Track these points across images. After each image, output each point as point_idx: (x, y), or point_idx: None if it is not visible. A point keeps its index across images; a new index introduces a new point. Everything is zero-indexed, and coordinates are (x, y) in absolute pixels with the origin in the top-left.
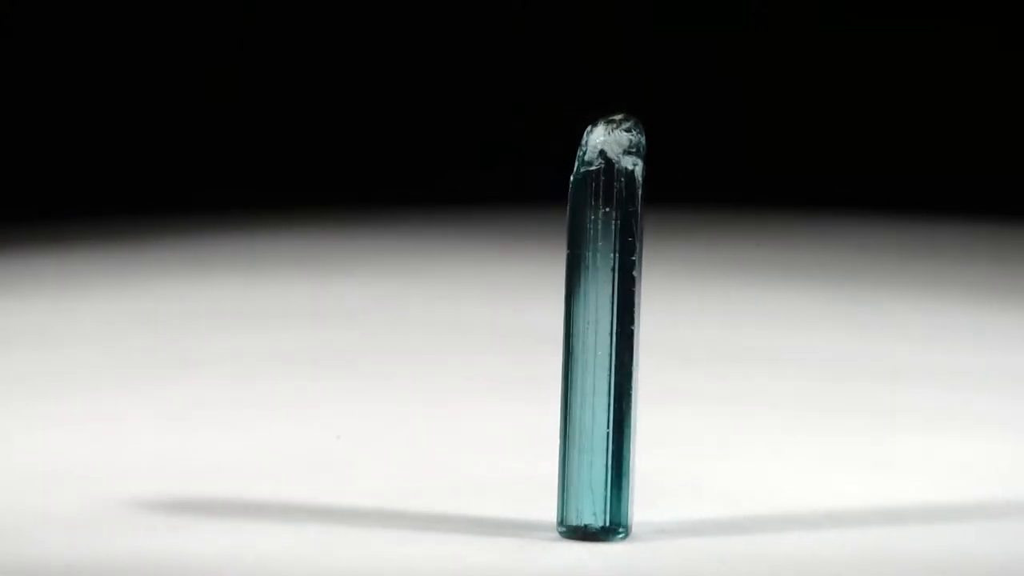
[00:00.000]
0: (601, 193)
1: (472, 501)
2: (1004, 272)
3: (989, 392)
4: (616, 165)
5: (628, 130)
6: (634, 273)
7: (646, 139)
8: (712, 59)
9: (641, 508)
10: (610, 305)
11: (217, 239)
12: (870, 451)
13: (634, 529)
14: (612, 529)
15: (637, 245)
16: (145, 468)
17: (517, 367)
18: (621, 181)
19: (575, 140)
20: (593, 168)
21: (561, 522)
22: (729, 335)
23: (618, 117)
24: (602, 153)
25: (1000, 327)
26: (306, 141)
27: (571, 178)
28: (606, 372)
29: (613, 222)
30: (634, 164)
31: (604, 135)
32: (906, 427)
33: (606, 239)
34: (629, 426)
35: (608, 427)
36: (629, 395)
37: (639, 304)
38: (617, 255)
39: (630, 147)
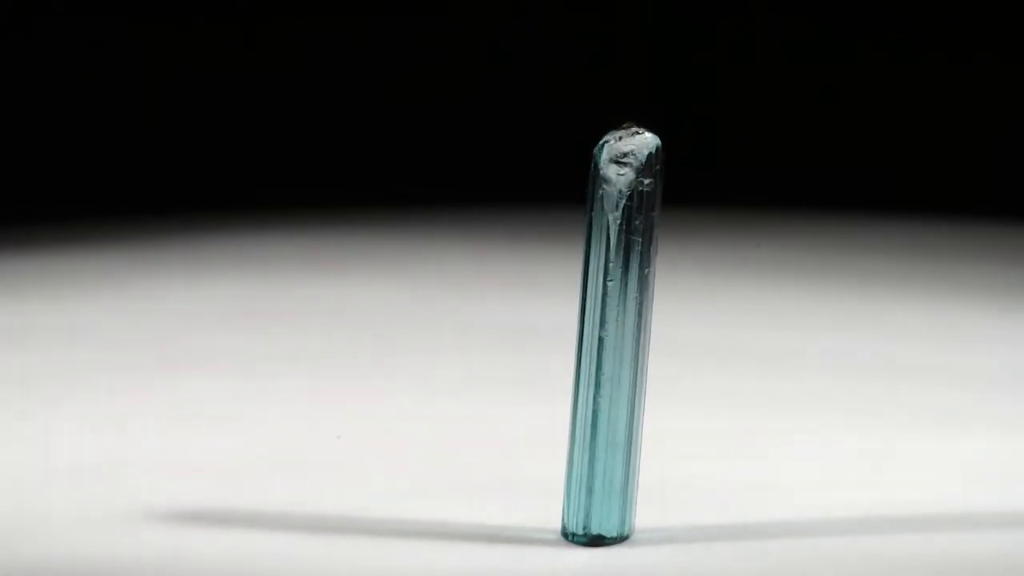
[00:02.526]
0: (592, 198)
1: (475, 503)
2: (1006, 271)
3: (993, 392)
4: (601, 172)
5: (619, 139)
6: (608, 281)
7: (656, 151)
8: (712, 58)
9: (643, 510)
10: (594, 308)
11: (217, 239)
12: (873, 451)
13: (636, 532)
14: (615, 532)
15: (608, 253)
16: (146, 468)
17: (518, 368)
18: (603, 188)
19: (574, 140)
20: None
21: (565, 525)
22: (729, 335)
23: (626, 126)
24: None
25: (1002, 327)
26: (307, 141)
27: None
28: (609, 376)
29: (594, 227)
30: (619, 174)
31: (609, 142)
32: (909, 427)
33: (593, 243)
34: (636, 429)
35: (627, 429)
36: (638, 399)
37: (611, 308)
38: (598, 259)
39: (622, 157)
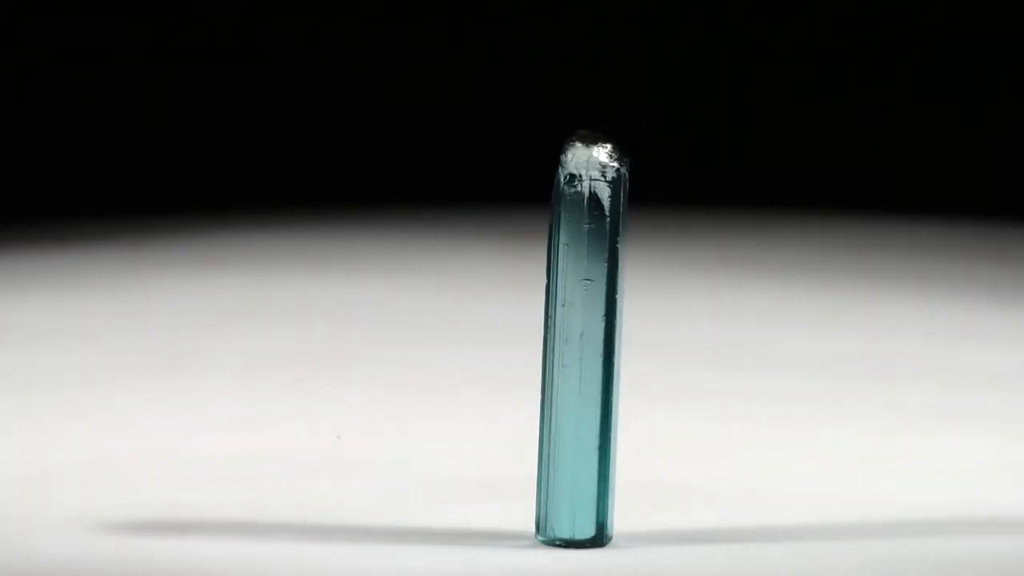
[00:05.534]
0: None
1: (459, 503)
2: (1005, 270)
3: (991, 392)
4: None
5: (582, 142)
6: (547, 279)
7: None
8: (712, 58)
9: (637, 512)
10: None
11: (217, 238)
12: (872, 451)
13: (615, 536)
14: (593, 536)
15: (549, 254)
16: (144, 468)
17: (518, 368)
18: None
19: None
20: None
21: (540, 528)
22: (728, 335)
23: (588, 140)
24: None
25: (1002, 326)
26: (307, 141)
27: None
28: (578, 377)
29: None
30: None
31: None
32: (906, 427)
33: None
34: (611, 430)
35: (590, 432)
36: (611, 399)
37: (548, 314)
38: (551, 260)
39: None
